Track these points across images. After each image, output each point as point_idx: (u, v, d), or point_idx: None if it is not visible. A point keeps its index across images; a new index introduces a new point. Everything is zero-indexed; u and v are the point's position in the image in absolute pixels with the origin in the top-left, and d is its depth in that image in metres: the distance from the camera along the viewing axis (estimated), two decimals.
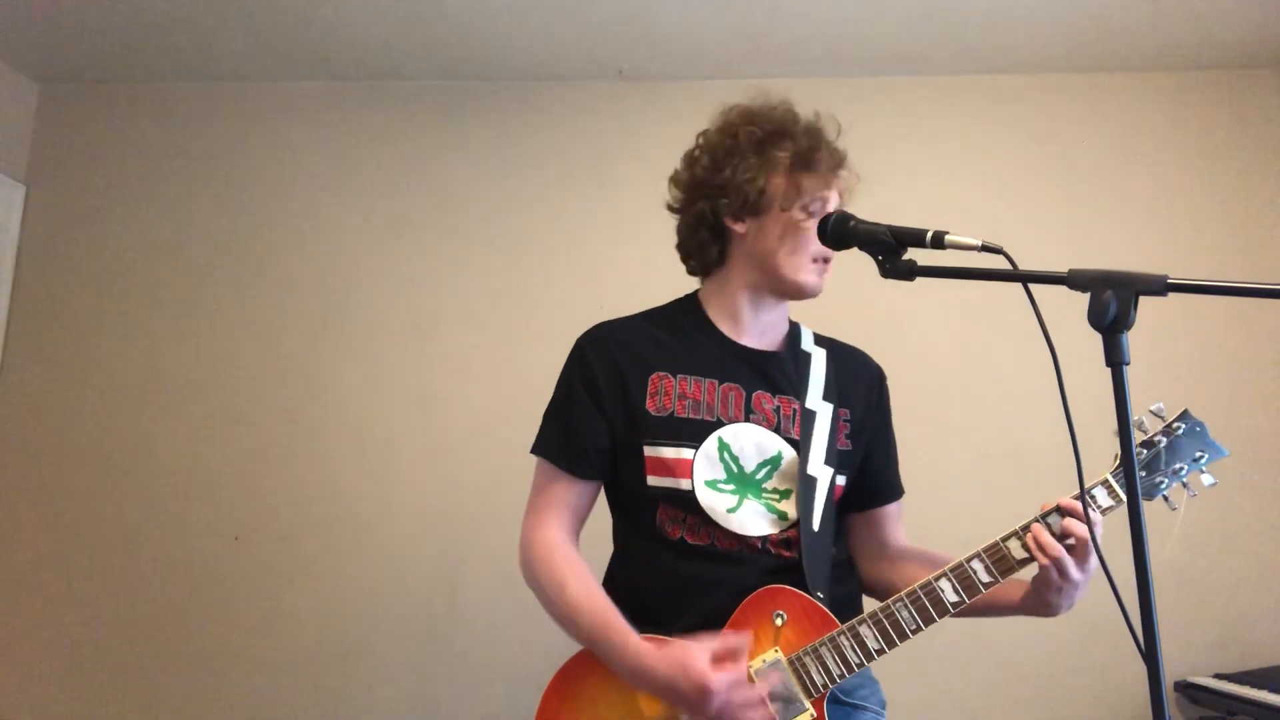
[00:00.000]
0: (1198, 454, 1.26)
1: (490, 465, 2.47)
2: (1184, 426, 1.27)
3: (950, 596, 1.23)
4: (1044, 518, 1.21)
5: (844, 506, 1.44)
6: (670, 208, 1.46)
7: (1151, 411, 1.26)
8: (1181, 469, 1.26)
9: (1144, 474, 1.26)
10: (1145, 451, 1.26)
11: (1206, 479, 1.26)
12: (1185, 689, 2.15)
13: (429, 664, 2.41)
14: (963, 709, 2.27)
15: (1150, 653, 0.82)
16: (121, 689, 2.46)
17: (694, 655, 1.14)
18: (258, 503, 2.54)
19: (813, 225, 1.31)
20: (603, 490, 1.43)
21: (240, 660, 2.45)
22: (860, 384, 1.45)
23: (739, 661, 1.17)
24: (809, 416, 1.35)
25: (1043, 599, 1.22)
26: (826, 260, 1.35)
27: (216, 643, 2.47)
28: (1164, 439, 1.27)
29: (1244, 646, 2.24)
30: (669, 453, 1.30)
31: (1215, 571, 2.30)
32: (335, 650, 2.44)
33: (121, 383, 2.64)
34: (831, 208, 1.35)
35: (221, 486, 2.55)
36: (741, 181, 1.34)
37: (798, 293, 1.37)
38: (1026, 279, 0.99)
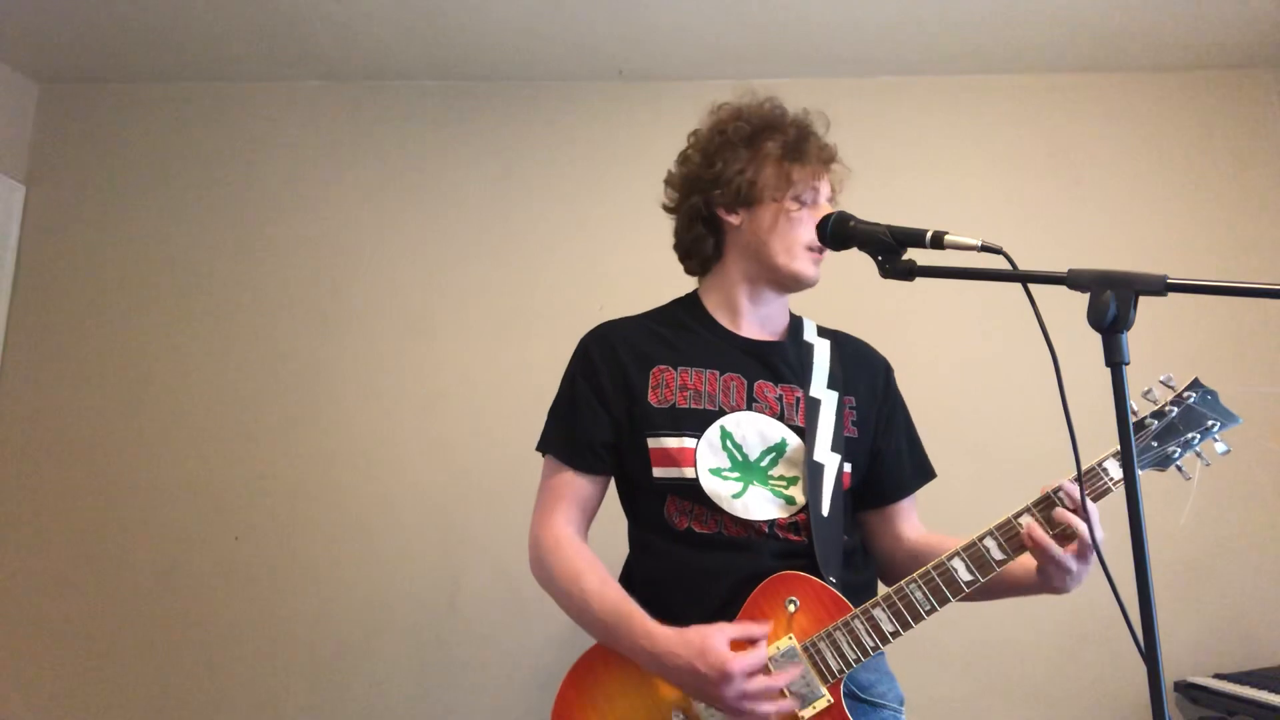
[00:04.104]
0: (1210, 422, 1.25)
1: (490, 465, 2.47)
2: (1195, 395, 1.26)
3: (964, 575, 1.22)
4: (1038, 506, 1.21)
5: (859, 504, 1.43)
6: (666, 208, 1.49)
7: (1161, 381, 1.25)
8: (1194, 438, 1.24)
9: (1155, 445, 1.25)
10: (1156, 422, 1.25)
11: (1220, 447, 1.25)
12: (1185, 689, 2.15)
13: (429, 664, 2.41)
14: (962, 708, 2.27)
15: (1150, 653, 0.82)
16: (121, 689, 2.46)
17: (713, 639, 1.15)
18: (258, 503, 2.53)
19: (804, 214, 1.35)
20: (615, 493, 1.44)
21: (240, 660, 2.45)
22: (865, 374, 1.45)
23: (758, 648, 1.17)
24: (813, 404, 1.35)
25: (1050, 584, 1.22)
26: (821, 250, 1.35)
27: (216, 643, 2.46)
28: (1174, 408, 1.26)
29: (1244, 646, 2.24)
30: (671, 443, 1.31)
31: (1215, 571, 2.29)
32: (335, 650, 2.44)
33: (121, 382, 2.64)
34: (823, 199, 1.37)
35: (221, 486, 2.55)
36: (733, 173, 1.36)
37: (794, 282, 1.37)
38: (1026, 279, 0.99)
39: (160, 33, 2.55)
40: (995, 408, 2.40)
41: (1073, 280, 0.90)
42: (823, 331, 1.48)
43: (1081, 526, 1.16)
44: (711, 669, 1.13)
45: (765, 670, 1.18)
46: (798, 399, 1.35)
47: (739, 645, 1.17)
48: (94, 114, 2.82)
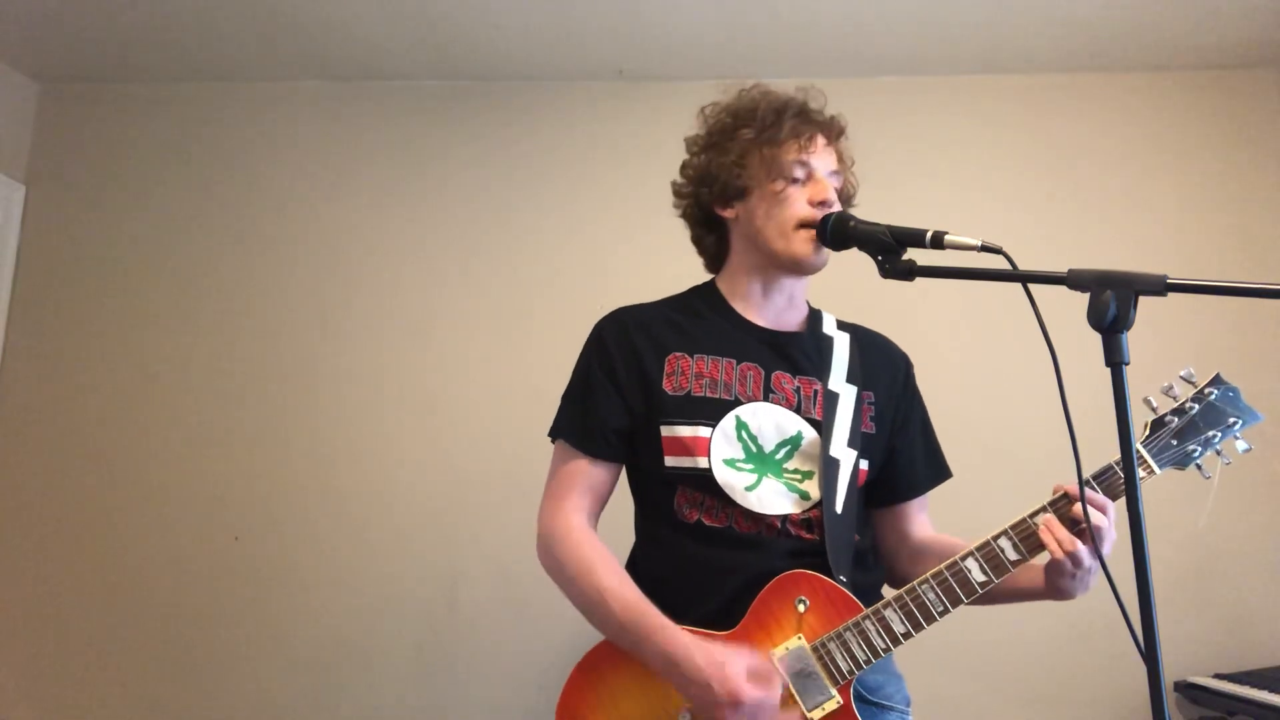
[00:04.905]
0: (1231, 419, 1.22)
1: (490, 465, 2.47)
2: (1217, 392, 1.23)
3: (978, 576, 1.20)
4: (1054, 504, 1.20)
5: (868, 500, 1.41)
6: (679, 215, 1.49)
7: (1181, 377, 1.23)
8: (1214, 436, 1.22)
9: (1175, 443, 1.22)
10: (1176, 419, 1.22)
11: (1241, 445, 1.22)
12: (1185, 689, 2.16)
13: (429, 664, 2.41)
14: (962, 709, 2.27)
15: (1150, 653, 0.82)
16: (121, 689, 2.46)
17: (734, 663, 1.14)
18: (258, 503, 2.53)
19: (794, 192, 1.32)
20: (625, 480, 1.42)
21: (240, 660, 2.45)
22: (884, 369, 1.44)
23: (772, 686, 1.16)
24: (831, 398, 1.34)
25: (1057, 586, 1.21)
26: (817, 228, 1.30)
27: (217, 643, 2.46)
28: (1195, 405, 1.23)
29: (1244, 646, 2.24)
30: (685, 431, 1.29)
31: (1215, 571, 2.29)
32: (335, 650, 2.43)
33: (121, 382, 2.64)
34: (823, 172, 1.34)
35: (221, 486, 2.55)
36: (718, 169, 1.36)
37: (795, 265, 1.34)
38: (1026, 279, 0.99)
39: (160, 33, 2.55)
40: (995, 408, 2.40)
41: (1073, 280, 0.90)
42: (842, 325, 1.46)
43: (1096, 516, 1.14)
44: (725, 691, 1.12)
45: (776, 705, 1.16)
46: (816, 391, 1.34)
47: (756, 676, 1.15)
48: (94, 114, 2.82)
